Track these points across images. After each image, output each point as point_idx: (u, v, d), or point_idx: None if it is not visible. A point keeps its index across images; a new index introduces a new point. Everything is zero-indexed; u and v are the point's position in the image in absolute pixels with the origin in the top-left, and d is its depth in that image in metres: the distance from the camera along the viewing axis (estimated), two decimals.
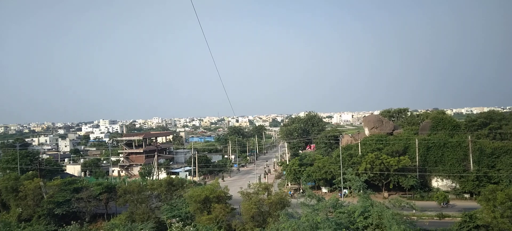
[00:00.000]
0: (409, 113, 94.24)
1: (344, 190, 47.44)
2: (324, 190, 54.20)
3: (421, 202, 44.31)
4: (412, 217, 34.45)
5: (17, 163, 64.67)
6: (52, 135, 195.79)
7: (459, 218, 28.39)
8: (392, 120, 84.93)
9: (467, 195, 47.85)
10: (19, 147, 78.45)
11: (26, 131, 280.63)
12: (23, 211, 43.66)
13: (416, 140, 52.10)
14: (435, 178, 50.83)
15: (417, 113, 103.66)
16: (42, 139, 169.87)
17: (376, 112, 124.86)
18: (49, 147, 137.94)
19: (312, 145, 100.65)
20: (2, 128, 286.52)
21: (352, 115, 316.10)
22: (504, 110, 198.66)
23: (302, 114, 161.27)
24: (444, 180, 50.21)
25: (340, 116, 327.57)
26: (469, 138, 50.21)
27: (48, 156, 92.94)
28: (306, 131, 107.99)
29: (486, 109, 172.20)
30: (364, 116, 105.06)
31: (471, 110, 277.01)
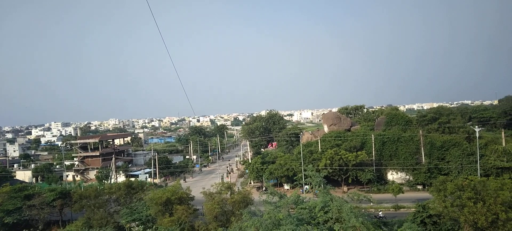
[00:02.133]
0: (365, 110, 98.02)
1: (306, 186, 48.47)
2: (286, 186, 55.04)
3: (378, 195, 46.31)
4: (370, 210, 35.95)
5: None
6: None
7: (413, 209, 30.01)
8: (350, 117, 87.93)
9: (420, 187, 50.63)
10: None
11: None
12: None
13: (372, 136, 54.30)
14: (391, 171, 53.28)
15: (373, 110, 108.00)
16: None
17: (334, 110, 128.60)
18: None
19: (273, 143, 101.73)
20: None
21: (312, 113, 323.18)
22: (452, 105, 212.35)
23: (263, 112, 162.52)
24: (399, 173, 52.78)
25: (301, 113, 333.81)
26: (421, 132, 53.14)
27: None
28: (267, 129, 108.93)
29: (435, 105, 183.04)
30: (323, 113, 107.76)
31: (422, 106, 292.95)
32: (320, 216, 15.53)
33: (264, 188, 54.69)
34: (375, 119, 75.49)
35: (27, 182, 66.33)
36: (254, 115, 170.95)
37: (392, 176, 53.07)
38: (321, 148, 56.61)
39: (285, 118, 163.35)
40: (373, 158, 52.70)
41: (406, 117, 63.41)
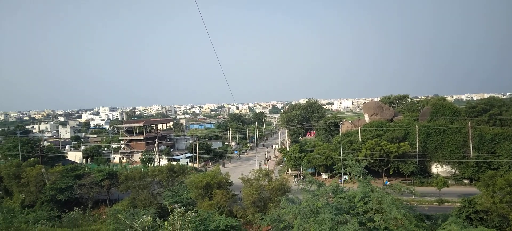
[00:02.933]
0: (409, 100, 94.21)
1: (344, 176, 47.80)
2: (324, 176, 54.59)
3: (420, 188, 44.67)
4: (412, 202, 34.85)
5: (18, 150, 64.97)
6: (52, 122, 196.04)
7: (459, 204, 28.72)
8: (392, 107, 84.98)
9: (466, 181, 48.21)
10: (20, 134, 78.69)
11: (26, 118, 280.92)
12: (26, 197, 44.08)
13: (416, 126, 52.24)
14: (435, 164, 51.13)
15: (417, 100, 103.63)
16: (43, 126, 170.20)
17: (376, 99, 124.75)
18: (50, 134, 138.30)
19: (312, 132, 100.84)
20: (2, 115, 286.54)
21: (352, 102, 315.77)
22: (504, 96, 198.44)
23: (302, 101, 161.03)
24: (444, 166, 50.52)
25: (340, 102, 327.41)
26: (469, 124, 50.34)
27: (49, 143, 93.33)
28: (306, 117, 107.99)
29: (486, 95, 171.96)
30: (364, 103, 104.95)
31: (472, 97, 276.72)
32: (359, 206, 15.32)
33: (302, 176, 54.59)
34: (420, 109, 72.49)
35: (77, 163, 70.78)
36: (293, 103, 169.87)
37: (437, 169, 50.92)
38: (361, 138, 55.38)
39: (324, 106, 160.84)
40: (417, 150, 50.76)
41: (454, 107, 60.28)
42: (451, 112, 56.76)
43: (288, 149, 62.52)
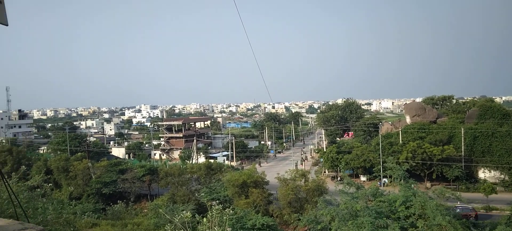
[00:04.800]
0: (454, 101, 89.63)
1: (384, 179, 46.42)
2: (362, 178, 53.30)
3: (466, 194, 42.35)
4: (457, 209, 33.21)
5: (67, 145, 68.89)
6: (98, 119, 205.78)
7: (508, 211, 26.99)
8: (436, 108, 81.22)
9: None
10: (68, 130, 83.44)
11: (74, 114, 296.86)
12: (74, 190, 46.68)
13: (462, 129, 49.66)
14: (482, 169, 48.37)
15: (463, 101, 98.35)
16: (89, 123, 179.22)
17: (418, 100, 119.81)
18: (96, 130, 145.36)
19: (350, 133, 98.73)
20: (53, 111, 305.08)
21: (392, 102, 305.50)
22: None
23: (339, 101, 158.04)
24: (492, 171, 47.65)
25: (380, 103, 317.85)
26: None
27: (95, 139, 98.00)
28: (343, 118, 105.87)
29: None
30: (406, 103, 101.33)
31: None
32: (401, 210, 14.81)
33: (339, 177, 53.65)
34: (466, 111, 68.79)
35: (121, 158, 73.90)
36: (330, 103, 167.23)
37: (484, 174, 48.11)
38: (402, 140, 53.48)
39: (363, 107, 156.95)
40: (462, 154, 48.26)
41: (503, 109, 56.68)
42: (500, 114, 53.39)
43: (325, 150, 61.66)
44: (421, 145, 47.10)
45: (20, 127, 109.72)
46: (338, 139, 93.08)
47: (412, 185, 16.93)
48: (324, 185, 33.87)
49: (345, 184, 18.59)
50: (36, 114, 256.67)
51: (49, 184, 9.23)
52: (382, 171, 44.34)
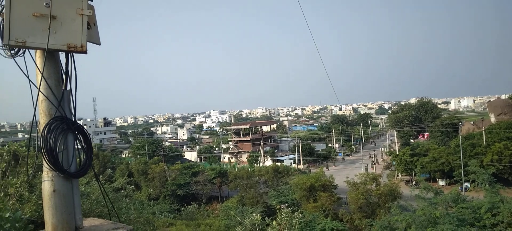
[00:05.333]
0: None
1: (466, 184, 42.64)
2: (441, 182, 49.50)
3: None
4: None
5: (145, 149, 74.24)
6: (172, 125, 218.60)
7: None
8: None
9: None
10: (146, 135, 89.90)
11: (151, 121, 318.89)
12: (152, 191, 50.11)
13: None
14: None
15: None
16: (164, 128, 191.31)
17: (504, 97, 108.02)
18: (170, 135, 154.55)
19: (425, 134, 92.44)
20: (132, 119, 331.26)
21: (474, 100, 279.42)
22: None
23: (412, 100, 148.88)
24: None
25: (459, 101, 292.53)
26: None
27: (169, 143, 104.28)
28: (418, 118, 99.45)
29: None
30: (489, 101, 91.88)
31: None
32: (486, 218, 13.47)
33: (414, 182, 50.41)
34: None
35: (193, 161, 77.57)
36: (402, 103, 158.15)
37: None
38: (486, 141, 48.64)
39: (439, 106, 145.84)
40: None
41: None
42: None
43: (397, 152, 58.47)
44: (509, 146, 42.41)
45: (105, 133, 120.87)
46: (412, 140, 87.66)
47: (499, 190, 15.32)
48: (397, 190, 32.11)
49: (422, 188, 17.42)
50: (118, 122, 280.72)
51: (131, 186, 10.03)
52: (464, 175, 40.78)
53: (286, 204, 31.85)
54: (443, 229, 11.60)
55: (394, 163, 58.65)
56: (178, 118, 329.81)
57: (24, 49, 2.32)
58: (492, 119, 59.65)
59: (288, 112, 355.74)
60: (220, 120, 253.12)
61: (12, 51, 2.31)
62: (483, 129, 52.98)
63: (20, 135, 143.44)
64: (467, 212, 14.25)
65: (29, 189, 6.21)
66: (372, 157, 76.30)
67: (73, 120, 2.42)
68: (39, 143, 2.27)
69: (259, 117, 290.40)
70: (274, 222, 10.05)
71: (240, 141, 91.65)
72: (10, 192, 5.87)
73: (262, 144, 73.81)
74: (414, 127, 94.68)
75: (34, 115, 2.32)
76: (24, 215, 3.80)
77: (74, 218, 2.33)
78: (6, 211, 2.79)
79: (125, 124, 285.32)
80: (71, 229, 2.30)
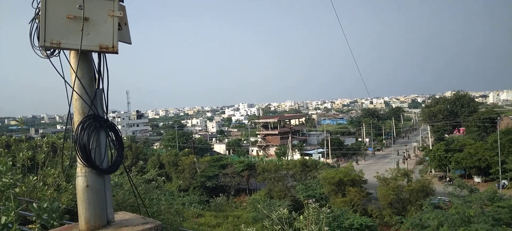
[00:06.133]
0: None
1: (503, 181, 40.72)
2: (476, 179, 47.54)
3: None
4: None
5: (176, 141, 75.89)
6: (201, 118, 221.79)
7: None
8: None
9: None
10: (177, 128, 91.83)
11: (182, 114, 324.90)
12: (182, 182, 51.25)
13: None
14: None
15: None
16: (194, 121, 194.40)
17: None
18: (200, 128, 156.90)
19: (461, 128, 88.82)
20: (164, 111, 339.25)
21: None
22: None
23: (448, 94, 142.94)
24: None
25: (498, 94, 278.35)
26: None
27: (199, 136, 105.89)
28: (453, 112, 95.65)
29: None
30: None
31: None
32: None
33: (448, 178, 48.69)
34: None
35: (222, 154, 78.53)
36: (437, 97, 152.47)
37: None
38: None
39: (476, 99, 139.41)
40: None
41: None
42: None
43: (431, 147, 56.61)
44: None
45: (137, 125, 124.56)
46: (446, 135, 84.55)
47: None
48: (430, 186, 31.20)
49: (456, 185, 16.83)
50: (150, 114, 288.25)
51: (162, 177, 10.31)
52: (501, 172, 38.95)
53: (314, 199, 31.68)
54: (477, 229, 11.17)
55: (427, 158, 56.91)
56: (207, 111, 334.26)
57: (59, 50, 2.44)
58: None
59: (317, 105, 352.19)
60: (249, 113, 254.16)
61: (48, 52, 2.42)
62: None
63: (58, 127, 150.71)
64: (504, 211, 13.62)
65: (66, 179, 6.54)
66: (404, 152, 74.32)
67: (105, 117, 2.52)
68: (73, 139, 2.39)
69: (287, 110, 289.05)
70: (301, 217, 10.06)
71: (268, 134, 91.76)
72: (48, 181, 6.21)
73: (290, 137, 73.58)
74: (449, 121, 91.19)
75: (69, 112, 2.44)
76: (61, 205, 4.01)
77: (106, 212, 2.45)
78: (44, 202, 2.97)
79: (157, 117, 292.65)
80: (103, 223, 2.42)
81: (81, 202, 2.38)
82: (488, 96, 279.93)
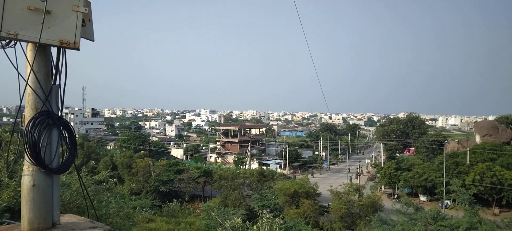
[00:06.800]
0: None
1: (446, 201, 43.31)
2: (422, 198, 50.20)
3: None
4: None
5: (131, 143, 73.54)
6: (161, 120, 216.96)
7: None
8: (511, 128, 74.18)
9: None
10: (134, 129, 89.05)
11: (140, 115, 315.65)
12: (135, 186, 49.62)
13: None
14: None
15: None
16: (153, 123, 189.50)
17: (491, 118, 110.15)
18: (158, 131, 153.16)
19: (411, 149, 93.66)
20: (121, 111, 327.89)
21: (461, 119, 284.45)
22: None
23: (401, 115, 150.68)
24: None
25: (447, 119, 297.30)
26: None
27: (156, 139, 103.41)
28: (405, 133, 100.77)
29: None
30: (476, 121, 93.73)
31: None
32: None
33: (396, 195, 51.03)
34: None
35: (179, 159, 77.11)
36: (391, 117, 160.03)
37: None
38: (469, 161, 49.55)
39: (427, 122, 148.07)
40: None
41: None
42: None
43: (382, 165, 59.11)
44: (491, 167, 43.25)
45: (92, 124, 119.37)
46: (397, 154, 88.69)
47: (479, 211, 15.64)
48: (379, 202, 32.46)
49: (403, 203, 17.69)
50: (107, 113, 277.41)
51: (114, 179, 9.94)
52: (445, 193, 41.45)
53: (268, 209, 31.90)
54: None
55: (378, 175, 59.24)
56: (167, 114, 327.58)
57: (15, 42, 2.33)
58: (477, 139, 60.78)
59: (278, 116, 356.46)
60: (210, 119, 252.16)
61: (3, 42, 2.31)
62: (468, 149, 53.94)
63: (5, 119, 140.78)
64: (445, 230, 14.52)
65: (9, 175, 6.14)
66: (357, 168, 77.01)
67: (59, 115, 2.43)
68: (22, 135, 2.28)
69: (249, 119, 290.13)
70: (254, 227, 10.10)
71: (228, 142, 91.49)
72: None
73: (249, 146, 73.79)
74: (401, 141, 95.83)
75: (20, 106, 2.33)
76: (1, 202, 3.77)
77: (52, 214, 2.34)
78: None
79: (114, 116, 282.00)
80: (48, 225, 2.31)
81: (25, 202, 2.26)
82: (438, 120, 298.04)
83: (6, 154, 6.19)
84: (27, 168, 2.27)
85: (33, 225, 2.25)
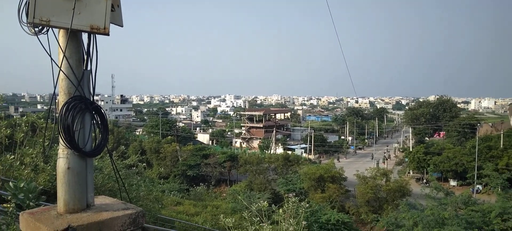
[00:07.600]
0: None
1: (478, 186, 41.98)
2: (452, 183, 48.88)
3: None
4: None
5: (159, 128, 75.20)
6: (187, 106, 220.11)
7: None
8: None
9: None
10: (161, 115, 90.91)
11: (167, 101, 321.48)
12: (163, 170, 50.92)
13: None
14: None
15: None
16: (179, 109, 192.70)
17: None
18: (184, 117, 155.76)
19: (441, 132, 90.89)
20: (149, 98, 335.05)
21: (495, 102, 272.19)
22: None
23: (431, 98, 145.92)
24: None
25: (480, 102, 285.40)
26: None
27: (183, 124, 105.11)
28: (435, 116, 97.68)
29: None
30: (511, 104, 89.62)
31: None
32: (496, 223, 13.31)
33: (425, 180, 49.89)
34: None
35: (205, 144, 78.27)
36: (420, 100, 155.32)
37: None
38: (503, 144, 47.60)
39: (458, 105, 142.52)
40: None
41: None
42: None
43: (411, 149, 57.81)
44: None
45: (121, 110, 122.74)
46: (427, 138, 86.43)
47: None
48: (407, 187, 31.92)
49: (433, 188, 17.26)
50: (135, 100, 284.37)
51: (143, 164, 10.22)
52: (477, 177, 40.12)
53: (293, 193, 31.99)
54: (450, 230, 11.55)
55: (406, 159, 58.08)
56: (193, 100, 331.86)
57: (47, 28, 2.38)
58: None
59: (303, 101, 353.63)
60: (235, 105, 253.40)
61: (36, 29, 2.37)
62: (502, 132, 51.80)
63: (39, 106, 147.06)
64: (476, 215, 14.08)
65: (44, 160, 6.43)
66: (385, 152, 75.63)
67: (91, 100, 2.49)
68: (57, 120, 2.35)
69: (274, 104, 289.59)
70: (280, 210, 10.18)
71: (253, 127, 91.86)
72: (26, 161, 6.10)
73: (274, 131, 73.79)
74: (431, 125, 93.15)
75: (54, 92, 2.40)
76: (38, 186, 3.95)
77: (86, 195, 2.43)
78: (20, 181, 2.92)
79: (141, 102, 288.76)
80: (82, 206, 2.40)
81: (61, 184, 2.34)
82: (470, 103, 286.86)
83: (41, 139, 6.49)
84: (62, 151, 2.35)
85: (68, 206, 2.34)
